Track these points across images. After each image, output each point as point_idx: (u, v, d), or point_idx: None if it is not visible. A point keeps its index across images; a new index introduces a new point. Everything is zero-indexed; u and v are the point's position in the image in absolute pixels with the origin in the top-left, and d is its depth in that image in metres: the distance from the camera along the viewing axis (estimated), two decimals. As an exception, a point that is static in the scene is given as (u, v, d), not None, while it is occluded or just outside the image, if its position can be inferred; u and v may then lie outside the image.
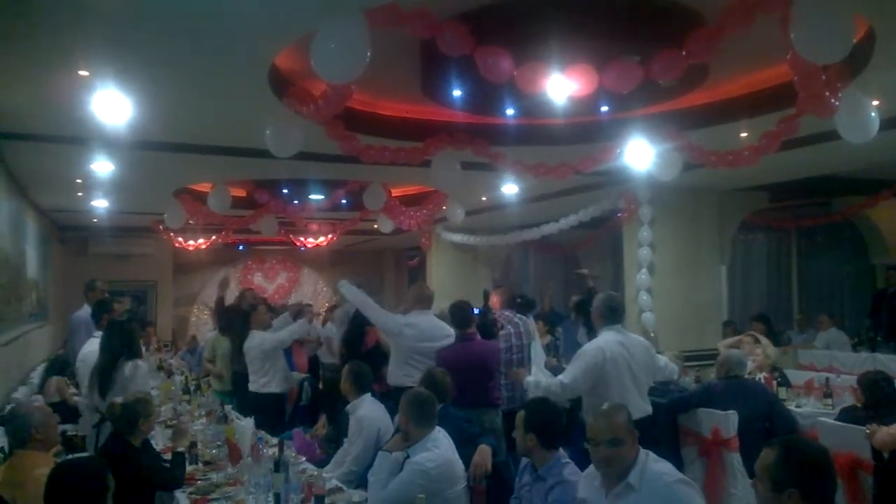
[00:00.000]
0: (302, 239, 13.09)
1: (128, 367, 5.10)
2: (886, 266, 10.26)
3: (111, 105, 4.97)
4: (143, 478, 3.80)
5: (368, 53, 3.53)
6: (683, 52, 3.73)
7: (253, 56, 4.24)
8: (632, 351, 4.96)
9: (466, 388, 5.48)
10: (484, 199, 9.97)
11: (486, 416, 5.54)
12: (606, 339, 4.94)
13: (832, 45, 3.43)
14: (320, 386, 8.05)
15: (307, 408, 7.70)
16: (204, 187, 8.94)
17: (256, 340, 6.58)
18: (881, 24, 4.04)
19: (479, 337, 5.94)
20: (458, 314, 5.86)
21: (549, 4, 3.93)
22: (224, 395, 7.08)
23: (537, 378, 5.08)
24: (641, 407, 4.94)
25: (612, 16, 3.99)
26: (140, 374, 5.16)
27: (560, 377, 4.92)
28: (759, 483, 2.38)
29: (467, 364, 5.58)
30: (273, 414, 6.43)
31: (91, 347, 5.71)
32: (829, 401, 6.24)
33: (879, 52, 4.33)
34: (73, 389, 7.20)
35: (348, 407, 4.99)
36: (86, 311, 6.58)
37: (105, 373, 5.09)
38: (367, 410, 4.86)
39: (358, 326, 6.62)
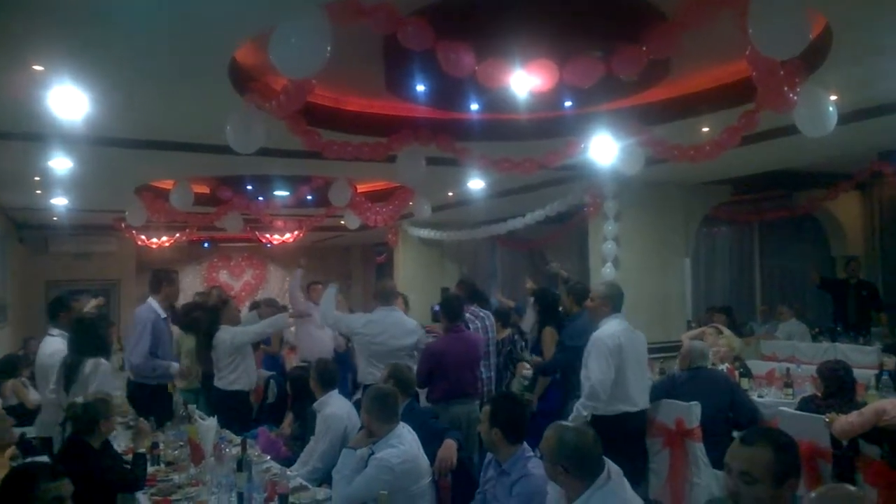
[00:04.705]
0: (268, 236, 12.97)
1: (88, 365, 5.03)
2: (847, 258, 10.42)
3: (68, 100, 4.85)
4: (102, 480, 3.73)
5: (329, 48, 3.49)
6: (644, 48, 3.75)
7: (212, 50, 4.16)
8: (636, 340, 5.00)
9: (459, 379, 5.52)
10: (450, 194, 9.96)
11: (472, 407, 5.56)
12: (619, 326, 4.89)
13: (789, 40, 3.46)
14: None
15: (273, 406, 7.62)
16: (166, 184, 8.80)
17: (228, 335, 6.41)
18: (837, 20, 4.10)
19: (465, 329, 5.96)
20: (450, 307, 5.86)
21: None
22: (189, 394, 6.98)
23: (576, 408, 4.76)
24: (645, 398, 5.02)
25: (574, 12, 3.99)
26: (101, 372, 5.06)
27: (584, 378, 4.72)
28: (755, 485, 2.30)
29: (460, 356, 5.60)
30: (241, 411, 6.36)
31: (51, 347, 5.62)
32: (790, 390, 6.36)
33: (836, 48, 4.39)
34: (31, 391, 7.04)
35: (315, 405, 4.96)
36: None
37: (70, 370, 5.03)
38: (334, 408, 4.83)
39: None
